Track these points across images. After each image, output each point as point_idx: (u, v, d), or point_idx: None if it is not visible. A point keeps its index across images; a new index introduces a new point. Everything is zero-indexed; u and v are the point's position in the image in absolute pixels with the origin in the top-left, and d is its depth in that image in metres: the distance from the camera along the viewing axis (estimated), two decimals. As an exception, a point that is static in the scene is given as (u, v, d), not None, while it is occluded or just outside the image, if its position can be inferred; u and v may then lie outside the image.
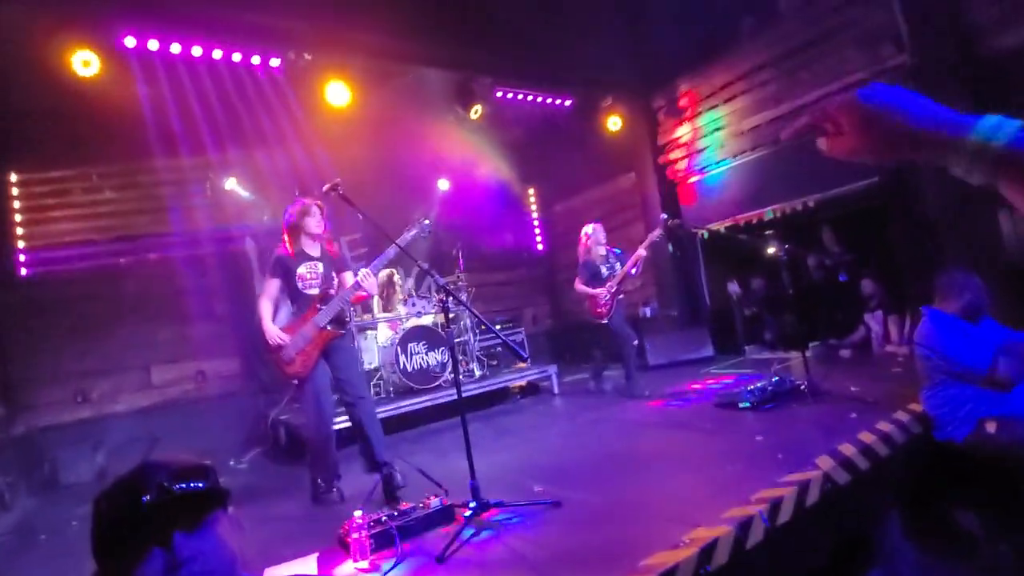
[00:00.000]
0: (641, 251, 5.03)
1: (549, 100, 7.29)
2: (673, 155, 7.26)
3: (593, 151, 7.87)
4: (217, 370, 6.22)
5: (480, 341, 6.47)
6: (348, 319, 3.44)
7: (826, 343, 5.91)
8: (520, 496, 2.82)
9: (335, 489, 3.37)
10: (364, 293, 3.34)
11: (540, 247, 9.42)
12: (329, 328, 3.26)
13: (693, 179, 7.14)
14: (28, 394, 5.36)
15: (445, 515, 2.66)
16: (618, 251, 5.34)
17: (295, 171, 6.59)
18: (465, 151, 7.89)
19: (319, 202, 3.39)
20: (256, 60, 5.13)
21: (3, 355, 5.18)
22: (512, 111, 7.35)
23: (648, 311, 7.38)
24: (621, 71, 7.05)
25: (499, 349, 6.99)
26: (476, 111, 6.54)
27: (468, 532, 2.48)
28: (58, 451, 5.19)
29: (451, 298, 3.00)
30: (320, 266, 3.36)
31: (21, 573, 2.99)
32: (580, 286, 5.21)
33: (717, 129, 6.66)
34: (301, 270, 3.30)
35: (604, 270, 5.16)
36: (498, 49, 6.06)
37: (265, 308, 3.27)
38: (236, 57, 5.04)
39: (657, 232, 5.09)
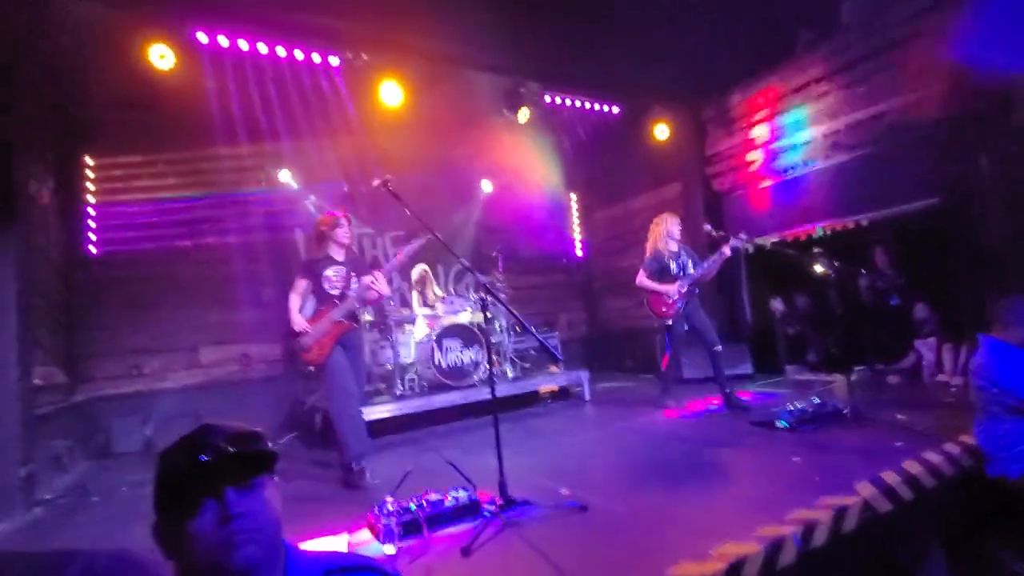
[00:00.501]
0: (726, 250, 4.65)
1: (597, 107, 7.30)
2: (721, 167, 7.13)
3: (638, 160, 7.81)
4: (261, 354, 6.47)
5: (514, 343, 6.50)
6: (366, 316, 3.67)
7: (873, 367, 5.68)
8: (546, 497, 2.84)
9: (367, 475, 3.49)
10: (376, 294, 3.69)
11: (579, 253, 9.40)
12: (344, 321, 3.64)
13: (740, 192, 7.00)
14: (89, 366, 5.70)
15: (472, 509, 2.69)
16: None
17: (346, 167, 6.82)
18: (510, 154, 7.96)
19: (348, 214, 3.83)
20: (316, 59, 5.36)
21: (70, 328, 5.52)
22: (559, 116, 7.39)
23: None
24: (671, 80, 6.97)
25: (533, 352, 7.01)
26: (524, 115, 6.60)
27: (494, 527, 2.52)
28: (113, 421, 5.51)
29: (490, 297, 3.04)
30: (344, 270, 3.73)
31: (76, 531, 3.19)
32: (645, 280, 4.80)
33: (768, 142, 6.51)
34: (328, 273, 3.68)
35: (673, 266, 4.77)
36: (548, 56, 6.10)
37: (294, 302, 3.65)
38: (298, 55, 5.28)
39: (743, 236, 4.75)
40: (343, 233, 3.72)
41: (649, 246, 4.94)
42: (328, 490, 3.53)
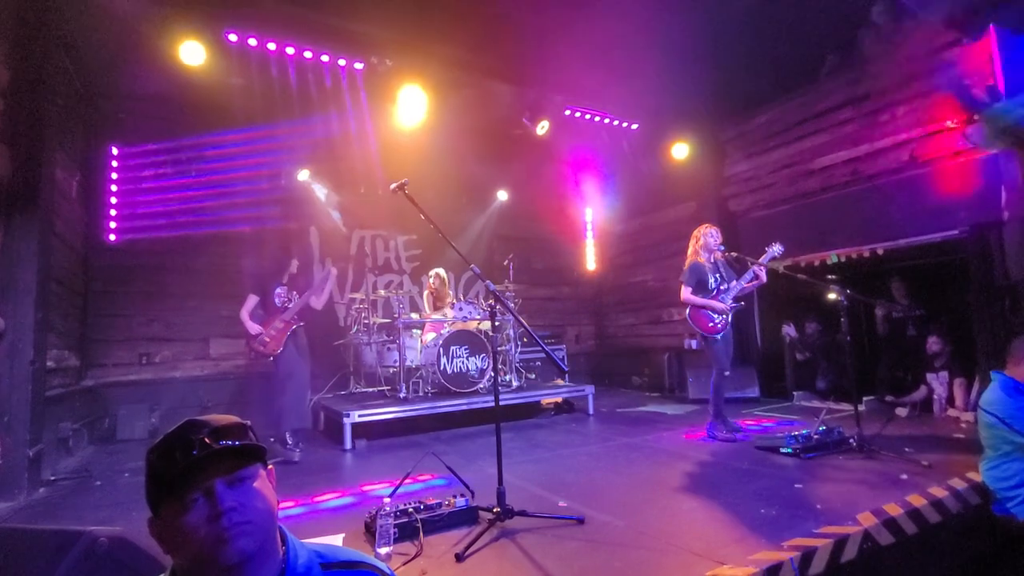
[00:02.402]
0: (762, 275, 4.47)
1: (616, 123, 7.34)
2: (738, 188, 7.12)
3: (655, 177, 7.82)
4: (269, 350, 6.51)
5: (521, 353, 6.50)
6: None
7: (882, 398, 5.61)
8: (544, 508, 2.83)
9: (299, 446, 4.46)
10: (318, 298, 4.80)
11: (591, 268, 9.40)
12: (291, 321, 4.70)
13: (756, 214, 6.98)
14: (100, 351, 5.78)
15: (469, 516, 2.70)
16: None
17: (364, 169, 6.90)
18: (528, 165, 8.02)
19: (296, 259, 4.95)
20: (341, 63, 5.45)
21: (84, 312, 5.62)
22: (578, 130, 7.43)
23: (694, 343, 7.22)
24: (692, 100, 7.00)
25: (538, 363, 7.01)
26: (543, 127, 6.65)
27: (490, 535, 2.51)
28: (120, 407, 5.58)
29: (500, 305, 3.05)
30: (287, 288, 4.84)
31: (78, 512, 3.22)
32: (692, 296, 4.47)
33: (787, 166, 6.50)
34: (279, 291, 4.79)
35: (712, 280, 4.53)
36: (570, 70, 6.15)
37: (245, 315, 4.64)
38: (324, 58, 5.38)
39: (777, 247, 4.46)
40: (295, 265, 4.93)
41: (688, 259, 4.69)
42: (329, 487, 3.54)
